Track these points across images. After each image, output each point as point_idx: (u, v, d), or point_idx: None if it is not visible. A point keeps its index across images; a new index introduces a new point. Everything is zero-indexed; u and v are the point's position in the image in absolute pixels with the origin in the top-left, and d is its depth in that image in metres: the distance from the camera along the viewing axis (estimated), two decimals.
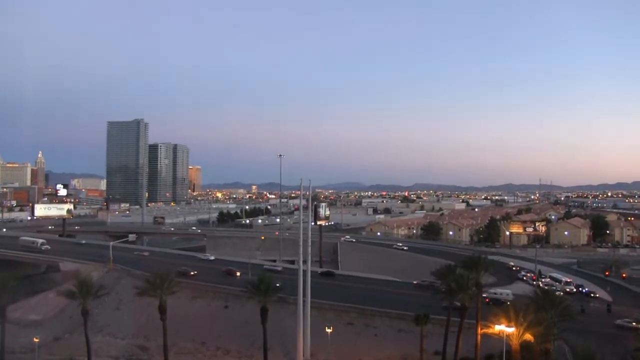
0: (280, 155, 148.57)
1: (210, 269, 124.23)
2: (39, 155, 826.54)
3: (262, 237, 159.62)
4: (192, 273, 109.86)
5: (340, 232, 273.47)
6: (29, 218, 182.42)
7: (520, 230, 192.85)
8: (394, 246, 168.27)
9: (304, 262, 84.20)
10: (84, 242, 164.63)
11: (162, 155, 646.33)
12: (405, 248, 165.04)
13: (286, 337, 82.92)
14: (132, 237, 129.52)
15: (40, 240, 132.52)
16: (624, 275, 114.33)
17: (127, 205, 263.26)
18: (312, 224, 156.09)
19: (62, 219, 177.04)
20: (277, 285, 76.44)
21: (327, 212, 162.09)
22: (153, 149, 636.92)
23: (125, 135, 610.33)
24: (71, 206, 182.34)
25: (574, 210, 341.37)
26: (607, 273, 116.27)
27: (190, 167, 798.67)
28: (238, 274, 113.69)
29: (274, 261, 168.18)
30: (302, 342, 79.15)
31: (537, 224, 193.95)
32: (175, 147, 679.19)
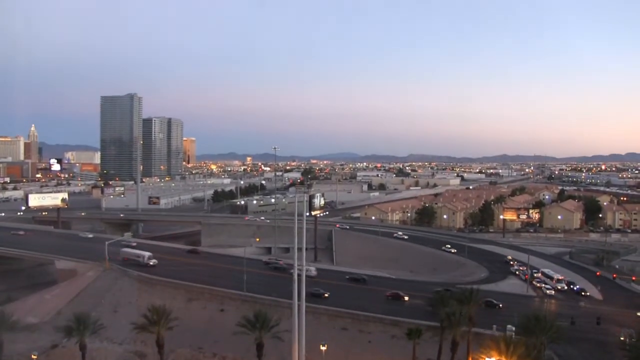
0: (274, 148, 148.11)
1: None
2: (32, 129, 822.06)
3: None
4: (325, 295, 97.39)
5: (335, 212, 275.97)
6: (23, 208, 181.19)
7: (514, 218, 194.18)
8: (394, 235, 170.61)
9: (299, 269, 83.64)
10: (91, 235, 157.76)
11: (156, 130, 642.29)
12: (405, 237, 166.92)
13: (281, 342, 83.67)
14: (127, 235, 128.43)
15: (147, 254, 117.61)
16: (614, 275, 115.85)
17: (122, 188, 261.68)
18: (307, 214, 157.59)
19: (57, 209, 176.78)
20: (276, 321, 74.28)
21: (322, 202, 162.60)
22: (147, 123, 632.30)
23: (119, 109, 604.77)
24: (66, 195, 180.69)
25: (567, 190, 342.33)
26: (597, 273, 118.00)
27: (184, 138, 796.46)
28: None
29: (269, 249, 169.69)
30: (297, 348, 79.92)
31: (530, 211, 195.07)
32: (169, 121, 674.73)
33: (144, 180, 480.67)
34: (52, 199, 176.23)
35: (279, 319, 73.65)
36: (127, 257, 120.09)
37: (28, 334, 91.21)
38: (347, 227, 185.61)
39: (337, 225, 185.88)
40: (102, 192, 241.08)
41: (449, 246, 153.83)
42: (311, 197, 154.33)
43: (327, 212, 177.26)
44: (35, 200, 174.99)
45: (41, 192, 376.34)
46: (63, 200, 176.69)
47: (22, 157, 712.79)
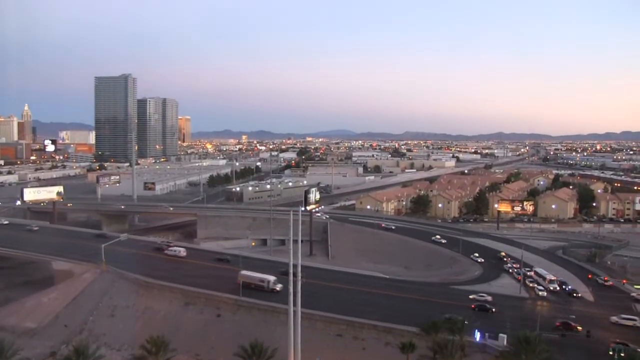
0: (272, 149, 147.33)
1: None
2: (25, 108, 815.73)
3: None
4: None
5: (331, 198, 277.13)
6: (18, 203, 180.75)
7: (509, 210, 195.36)
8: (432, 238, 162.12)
9: (294, 275, 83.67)
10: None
11: (151, 110, 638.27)
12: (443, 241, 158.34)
13: (277, 347, 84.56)
14: (123, 236, 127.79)
15: (272, 278, 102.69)
16: (606, 279, 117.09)
17: (118, 177, 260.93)
18: (302, 209, 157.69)
19: (52, 203, 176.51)
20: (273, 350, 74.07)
21: (317, 196, 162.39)
22: (142, 103, 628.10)
23: (113, 90, 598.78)
24: (61, 188, 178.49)
25: (562, 175, 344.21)
26: (589, 276, 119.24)
27: (179, 117, 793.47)
28: None
29: (265, 241, 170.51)
30: (293, 355, 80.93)
31: (524, 203, 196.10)
32: (164, 101, 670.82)
33: (139, 162, 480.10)
34: (48, 193, 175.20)
35: (275, 350, 73.66)
36: (247, 282, 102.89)
37: (27, 340, 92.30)
38: (393, 227, 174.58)
39: (382, 225, 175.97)
40: (98, 181, 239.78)
41: (477, 255, 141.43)
42: (306, 193, 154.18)
43: (322, 207, 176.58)
44: (30, 195, 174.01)
45: (36, 175, 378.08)
46: (58, 193, 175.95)
47: (15, 138, 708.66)
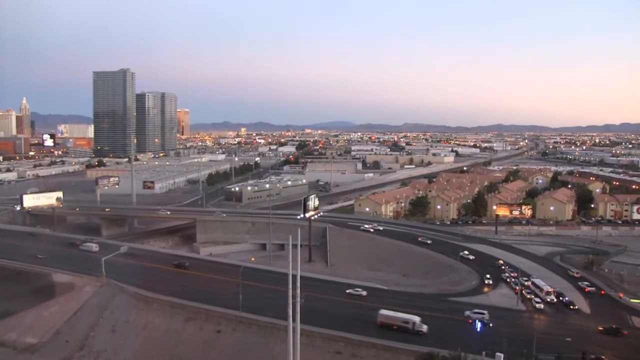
0: (270, 143, 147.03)
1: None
2: (24, 102, 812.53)
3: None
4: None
5: (330, 197, 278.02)
6: (17, 208, 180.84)
7: (507, 213, 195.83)
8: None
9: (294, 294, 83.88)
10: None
11: (149, 105, 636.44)
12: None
13: None
14: (124, 249, 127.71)
15: (417, 319, 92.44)
16: (602, 292, 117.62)
17: (117, 178, 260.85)
18: (301, 216, 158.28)
19: (52, 208, 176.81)
20: None
21: (316, 203, 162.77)
22: (140, 98, 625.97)
23: (112, 86, 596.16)
24: (60, 194, 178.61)
25: (561, 172, 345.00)
26: (586, 290, 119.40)
27: (178, 110, 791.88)
28: None
29: (264, 246, 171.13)
30: None
31: (523, 207, 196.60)
32: (162, 96, 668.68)
33: (138, 158, 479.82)
34: (47, 199, 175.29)
35: None
36: (388, 323, 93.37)
37: (28, 357, 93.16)
38: (429, 241, 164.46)
39: (419, 239, 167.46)
40: (97, 182, 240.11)
41: (489, 276, 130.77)
42: (305, 200, 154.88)
43: (321, 213, 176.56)
44: (29, 201, 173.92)
45: (35, 172, 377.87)
46: (58, 199, 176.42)
47: (14, 132, 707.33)
